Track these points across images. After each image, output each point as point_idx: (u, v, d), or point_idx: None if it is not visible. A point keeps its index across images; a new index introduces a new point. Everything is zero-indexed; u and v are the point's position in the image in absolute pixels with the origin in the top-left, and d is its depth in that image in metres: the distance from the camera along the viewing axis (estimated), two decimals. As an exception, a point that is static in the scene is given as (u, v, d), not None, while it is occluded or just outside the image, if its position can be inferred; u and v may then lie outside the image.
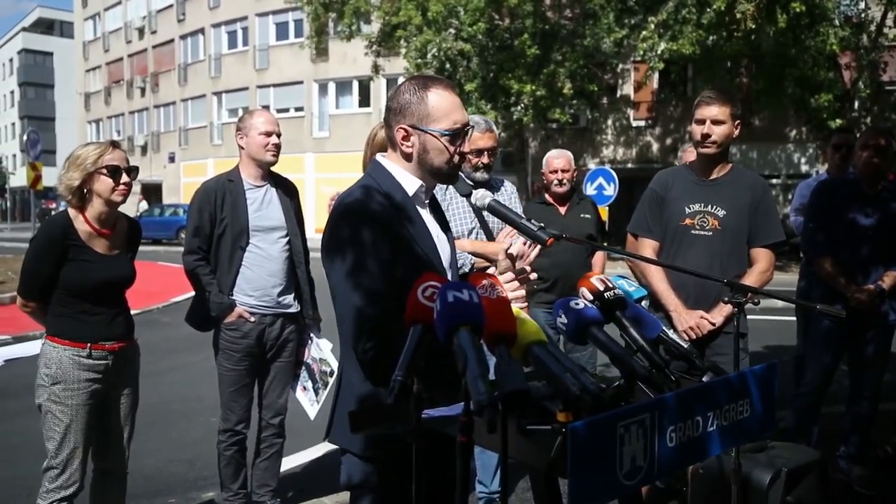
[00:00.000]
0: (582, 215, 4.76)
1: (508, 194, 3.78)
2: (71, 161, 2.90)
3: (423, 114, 2.01)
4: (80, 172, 2.87)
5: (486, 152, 3.57)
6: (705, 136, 3.37)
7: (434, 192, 2.23)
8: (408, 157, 2.06)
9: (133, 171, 2.98)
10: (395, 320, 1.64)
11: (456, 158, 2.05)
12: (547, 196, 4.82)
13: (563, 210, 4.72)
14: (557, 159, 4.70)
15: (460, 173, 3.63)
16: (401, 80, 2.31)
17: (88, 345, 2.93)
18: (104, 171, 2.87)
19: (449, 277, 2.11)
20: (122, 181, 2.91)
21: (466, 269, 3.20)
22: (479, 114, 11.11)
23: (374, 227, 1.94)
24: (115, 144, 2.97)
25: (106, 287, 2.97)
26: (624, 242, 3.81)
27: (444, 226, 2.23)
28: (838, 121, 16.66)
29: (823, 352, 4.18)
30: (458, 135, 2.03)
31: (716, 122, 3.35)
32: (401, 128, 2.03)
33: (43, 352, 2.97)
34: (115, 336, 3.01)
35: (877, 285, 3.96)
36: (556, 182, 4.67)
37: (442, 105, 2.01)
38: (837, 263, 4.08)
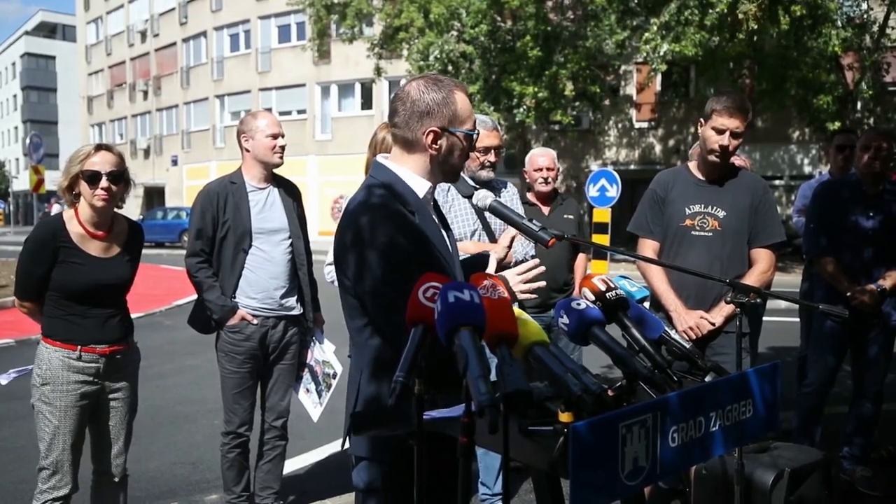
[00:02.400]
0: (565, 216, 4.72)
1: (510, 196, 3.78)
2: (67, 161, 2.94)
3: (451, 116, 2.00)
4: (66, 174, 2.90)
5: (492, 150, 3.61)
6: (724, 148, 3.28)
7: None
8: (432, 159, 2.04)
9: (118, 176, 2.90)
10: None
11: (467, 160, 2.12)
12: (529, 196, 4.75)
13: (546, 210, 4.69)
14: (542, 157, 4.63)
15: (463, 174, 3.66)
16: (403, 82, 2.28)
17: (78, 347, 2.92)
18: (81, 175, 2.87)
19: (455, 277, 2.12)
20: (101, 186, 2.85)
21: None
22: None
23: (393, 223, 1.93)
24: (100, 148, 2.91)
25: (97, 290, 2.95)
26: (626, 244, 3.80)
27: (445, 226, 2.23)
28: (836, 123, 16.64)
29: (826, 352, 4.18)
30: (474, 135, 2.08)
31: (735, 135, 3.27)
32: (431, 130, 2.00)
33: (37, 352, 2.98)
34: (108, 339, 2.99)
35: (878, 285, 3.96)
36: (540, 180, 4.59)
37: (466, 107, 2.04)
38: (839, 264, 4.08)
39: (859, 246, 4.07)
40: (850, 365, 4.29)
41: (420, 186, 2.05)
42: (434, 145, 2.01)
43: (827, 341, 4.18)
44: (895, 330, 4.15)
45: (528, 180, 4.75)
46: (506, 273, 2.12)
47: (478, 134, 2.13)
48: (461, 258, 2.36)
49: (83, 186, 2.88)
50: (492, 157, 3.61)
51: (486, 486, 3.84)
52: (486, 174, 3.61)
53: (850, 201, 4.11)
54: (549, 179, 4.62)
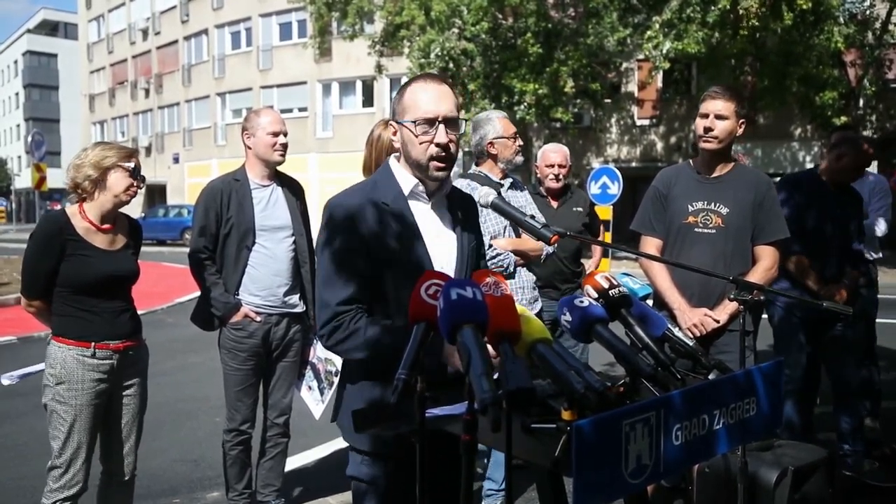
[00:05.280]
0: (574, 209, 4.72)
1: (525, 197, 3.82)
2: (97, 154, 2.93)
3: (400, 108, 2.08)
4: (97, 167, 2.90)
5: (517, 136, 3.72)
6: (707, 130, 3.33)
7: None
8: (400, 152, 2.13)
9: (142, 180, 3.08)
10: (355, 314, 1.97)
11: (431, 150, 2.02)
12: (541, 188, 4.76)
13: (555, 204, 4.68)
14: (554, 154, 4.60)
15: (489, 173, 3.66)
16: (404, 80, 2.32)
17: (93, 344, 2.92)
18: (125, 170, 2.94)
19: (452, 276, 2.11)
20: (136, 183, 3.00)
21: (511, 269, 3.34)
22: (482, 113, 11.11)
23: (343, 229, 2.02)
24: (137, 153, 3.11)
25: (108, 281, 2.96)
26: (629, 241, 3.80)
27: (468, 224, 2.22)
28: (843, 118, 16.62)
29: (798, 352, 4.08)
30: (430, 125, 2.00)
31: (719, 117, 3.31)
32: (390, 123, 2.14)
33: (48, 352, 2.96)
34: (120, 335, 3.00)
35: (843, 283, 3.97)
36: (551, 177, 4.58)
37: (414, 97, 2.05)
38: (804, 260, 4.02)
39: (820, 241, 4.01)
40: (826, 364, 4.20)
41: (406, 182, 2.11)
42: (395, 138, 2.12)
43: (794, 342, 4.09)
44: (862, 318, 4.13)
45: (538, 175, 4.75)
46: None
47: (434, 122, 2.01)
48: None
49: (118, 178, 2.93)
50: (520, 141, 3.73)
51: (492, 481, 3.84)
52: (519, 159, 3.73)
53: (814, 196, 4.08)
54: (561, 176, 4.61)
